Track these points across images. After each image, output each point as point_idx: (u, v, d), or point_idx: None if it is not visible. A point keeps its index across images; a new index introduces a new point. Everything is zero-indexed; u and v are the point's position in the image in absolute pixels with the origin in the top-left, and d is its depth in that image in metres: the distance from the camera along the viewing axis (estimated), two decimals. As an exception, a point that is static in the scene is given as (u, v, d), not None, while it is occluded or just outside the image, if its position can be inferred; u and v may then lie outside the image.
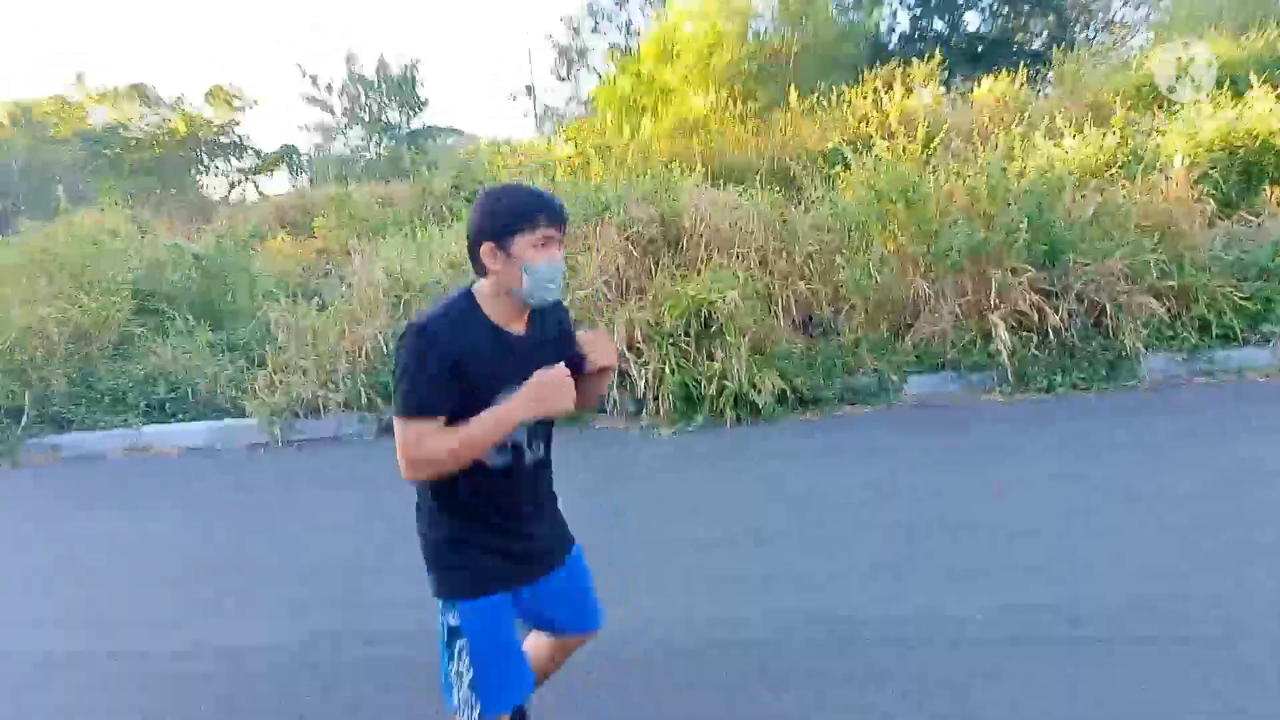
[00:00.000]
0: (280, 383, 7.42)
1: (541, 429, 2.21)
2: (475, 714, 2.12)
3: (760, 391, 6.42)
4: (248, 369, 7.90)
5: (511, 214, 2.03)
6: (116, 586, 4.65)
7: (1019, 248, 6.63)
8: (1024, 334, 6.57)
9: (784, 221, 8.20)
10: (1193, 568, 3.69)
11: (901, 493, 4.90)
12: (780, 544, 4.35)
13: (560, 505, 2.39)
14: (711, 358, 6.69)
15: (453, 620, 2.13)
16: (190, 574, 4.71)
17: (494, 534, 2.16)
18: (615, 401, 6.81)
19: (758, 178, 9.79)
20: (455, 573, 2.15)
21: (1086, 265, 6.61)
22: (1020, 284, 6.59)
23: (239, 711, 3.31)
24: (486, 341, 2.05)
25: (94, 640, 4.01)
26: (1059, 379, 6.36)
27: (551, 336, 2.20)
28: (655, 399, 6.67)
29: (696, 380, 6.61)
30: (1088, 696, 2.88)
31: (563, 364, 2.03)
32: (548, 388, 1.98)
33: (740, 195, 8.69)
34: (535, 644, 2.44)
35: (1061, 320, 6.48)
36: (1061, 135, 8.88)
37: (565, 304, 2.36)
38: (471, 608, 2.13)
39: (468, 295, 2.11)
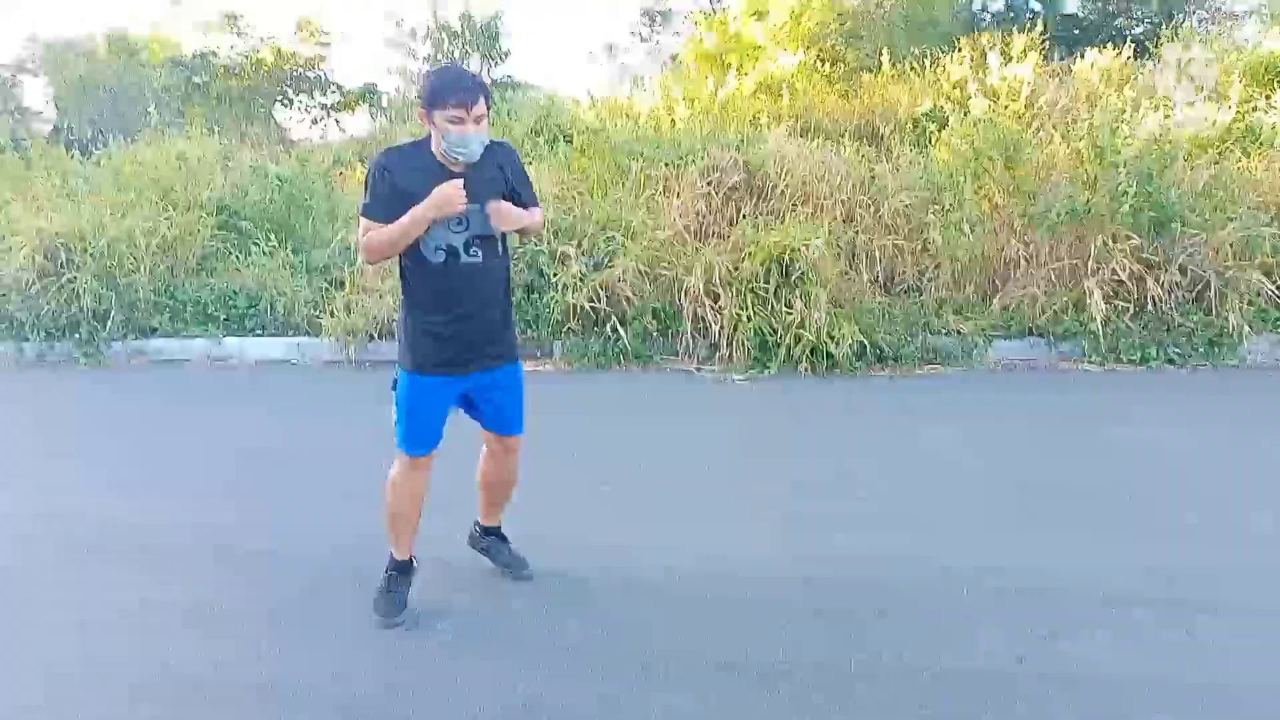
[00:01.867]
0: (357, 304, 7.48)
1: (478, 239, 2.81)
2: (396, 444, 2.98)
3: (838, 343, 6.27)
4: (326, 290, 7.98)
5: (432, 92, 2.66)
6: (200, 475, 4.73)
7: (1124, 214, 6.35)
8: (1119, 304, 6.31)
9: (872, 177, 7.98)
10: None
11: (986, 451, 4.74)
12: (860, 491, 4.22)
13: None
14: (790, 307, 6.54)
15: (395, 375, 2.96)
16: (264, 469, 4.78)
17: (437, 315, 2.84)
18: (689, 344, 6.73)
19: (844, 135, 9.54)
20: (406, 350, 2.93)
21: (1194, 236, 6.30)
22: (1121, 251, 6.31)
23: (304, 593, 3.34)
24: (427, 173, 2.70)
25: (178, 514, 4.09)
26: (1154, 352, 6.11)
27: (490, 175, 2.81)
28: (729, 344, 6.57)
29: (773, 328, 6.48)
30: (1181, 661, 2.75)
31: (460, 183, 2.65)
32: (441, 197, 2.64)
33: (827, 149, 8.47)
34: (484, 454, 3.20)
35: (1161, 292, 6.21)
36: (1171, 107, 8.47)
37: (524, 167, 3.03)
38: (407, 376, 2.92)
39: (426, 139, 2.78)
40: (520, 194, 2.93)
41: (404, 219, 2.67)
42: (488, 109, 2.70)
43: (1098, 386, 5.83)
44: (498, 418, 3.09)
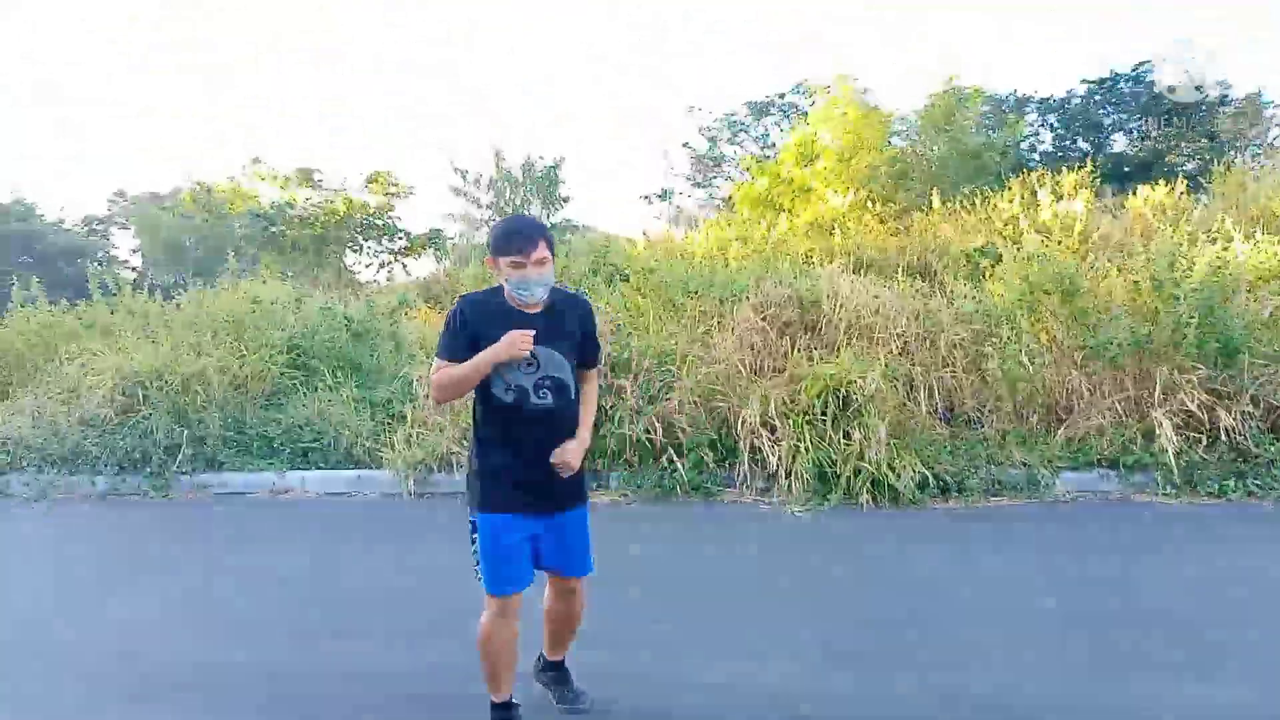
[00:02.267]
0: (417, 438, 7.60)
1: (547, 380, 2.90)
2: (483, 587, 2.94)
3: (899, 475, 6.16)
4: (387, 424, 8.13)
5: (496, 241, 2.87)
6: (250, 611, 4.74)
7: (1188, 344, 6.25)
8: (1190, 434, 6.13)
9: (927, 311, 8.01)
10: None
11: (1057, 584, 4.54)
12: (926, 628, 4.06)
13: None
14: (848, 438, 6.47)
15: (471, 517, 2.98)
16: (316, 604, 4.76)
17: (506, 456, 2.91)
18: (746, 476, 6.66)
19: (897, 271, 9.66)
20: (477, 492, 2.95)
21: (1264, 367, 6.16)
22: (1189, 382, 6.18)
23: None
24: (499, 318, 2.86)
25: (229, 653, 4.08)
26: (1233, 484, 5.87)
27: (565, 323, 2.96)
28: (788, 475, 6.49)
29: (832, 460, 6.40)
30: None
31: (531, 332, 2.79)
32: (506, 342, 2.77)
33: (881, 285, 8.57)
34: (549, 591, 3.18)
35: (1234, 422, 6.03)
36: (1230, 240, 8.44)
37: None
38: (483, 518, 2.93)
39: (499, 286, 2.94)
40: (587, 346, 3.07)
41: (472, 361, 2.80)
42: (550, 252, 2.84)
43: (1175, 519, 5.60)
44: (561, 559, 3.06)
